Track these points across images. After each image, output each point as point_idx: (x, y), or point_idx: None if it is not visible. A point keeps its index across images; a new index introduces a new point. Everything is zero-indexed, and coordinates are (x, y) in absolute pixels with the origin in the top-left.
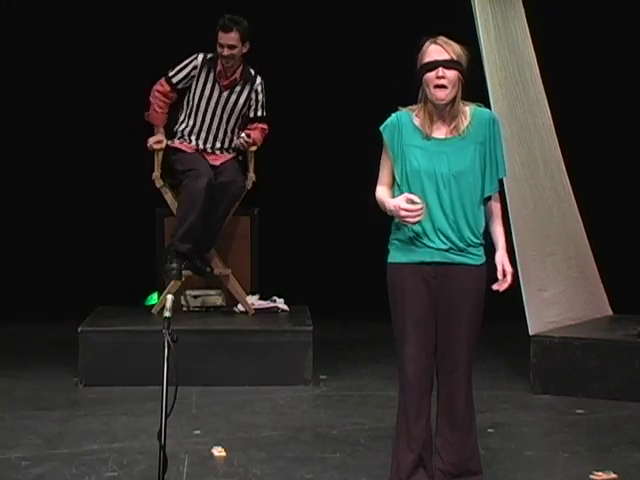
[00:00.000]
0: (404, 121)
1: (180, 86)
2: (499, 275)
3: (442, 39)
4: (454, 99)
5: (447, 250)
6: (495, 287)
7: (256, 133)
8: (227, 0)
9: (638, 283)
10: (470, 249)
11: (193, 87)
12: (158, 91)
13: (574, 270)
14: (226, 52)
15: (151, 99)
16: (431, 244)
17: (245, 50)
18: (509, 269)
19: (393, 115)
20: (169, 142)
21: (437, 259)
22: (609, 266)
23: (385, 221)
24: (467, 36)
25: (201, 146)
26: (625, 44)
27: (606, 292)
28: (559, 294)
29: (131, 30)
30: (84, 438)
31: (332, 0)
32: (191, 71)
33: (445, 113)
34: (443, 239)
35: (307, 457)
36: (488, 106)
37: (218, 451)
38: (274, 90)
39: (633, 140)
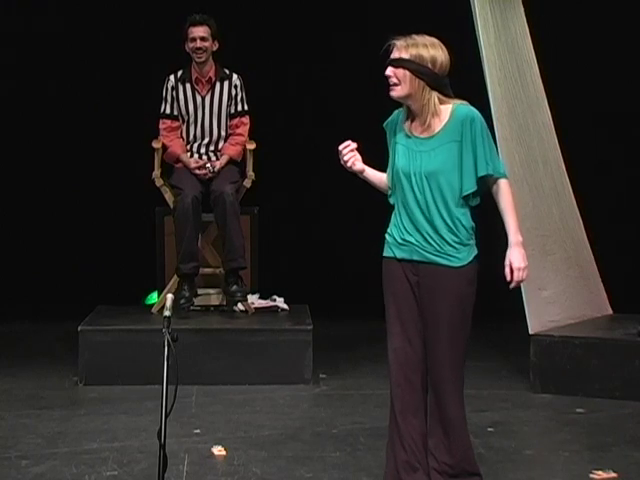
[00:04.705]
0: (401, 118)
1: (175, 112)
2: (506, 273)
3: (402, 39)
4: (410, 96)
5: (424, 249)
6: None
7: (229, 149)
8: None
9: (638, 282)
10: (448, 249)
11: (177, 104)
12: (162, 129)
13: (574, 269)
14: (199, 44)
15: (162, 140)
16: (411, 239)
17: (215, 48)
18: (517, 265)
19: (395, 112)
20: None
21: (415, 257)
22: (609, 265)
23: (385, 219)
24: (466, 35)
25: (202, 151)
26: (625, 43)
27: (606, 291)
28: (559, 293)
29: (130, 29)
30: (84, 437)
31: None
32: (171, 92)
33: (413, 111)
34: (419, 236)
35: (307, 456)
36: (488, 105)
37: (218, 450)
38: (274, 89)
39: (633, 140)
